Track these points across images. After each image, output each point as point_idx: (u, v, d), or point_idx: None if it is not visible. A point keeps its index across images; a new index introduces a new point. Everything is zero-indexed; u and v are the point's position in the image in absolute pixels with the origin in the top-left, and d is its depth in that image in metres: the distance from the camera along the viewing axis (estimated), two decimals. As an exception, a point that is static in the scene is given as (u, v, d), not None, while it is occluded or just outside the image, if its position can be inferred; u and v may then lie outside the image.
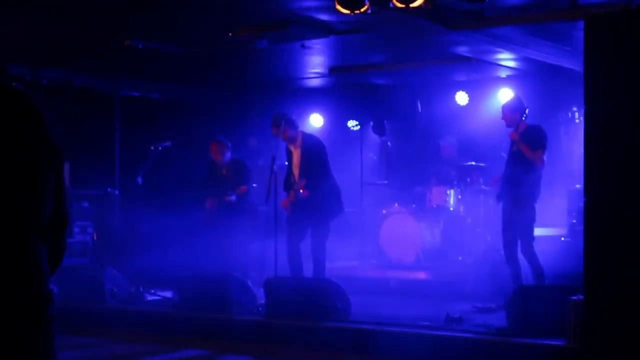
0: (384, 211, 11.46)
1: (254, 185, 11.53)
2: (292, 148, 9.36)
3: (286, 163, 9.55)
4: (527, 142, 8.55)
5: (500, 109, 8.87)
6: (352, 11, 7.50)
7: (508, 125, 8.72)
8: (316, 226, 9.15)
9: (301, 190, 9.12)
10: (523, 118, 8.63)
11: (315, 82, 13.27)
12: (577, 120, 10.82)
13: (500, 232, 8.87)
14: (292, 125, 9.26)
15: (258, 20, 9.00)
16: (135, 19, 8.96)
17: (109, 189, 12.12)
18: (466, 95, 12.52)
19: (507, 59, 10.87)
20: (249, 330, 8.37)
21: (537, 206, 8.64)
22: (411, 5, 7.30)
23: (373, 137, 12.85)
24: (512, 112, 8.73)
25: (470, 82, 12.63)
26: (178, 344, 8.34)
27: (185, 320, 8.80)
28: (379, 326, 7.86)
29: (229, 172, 10.51)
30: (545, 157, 8.63)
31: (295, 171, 9.29)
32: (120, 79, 12.53)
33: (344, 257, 11.27)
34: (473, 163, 11.22)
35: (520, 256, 8.71)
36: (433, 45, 9.83)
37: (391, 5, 7.42)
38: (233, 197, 10.35)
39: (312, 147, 9.25)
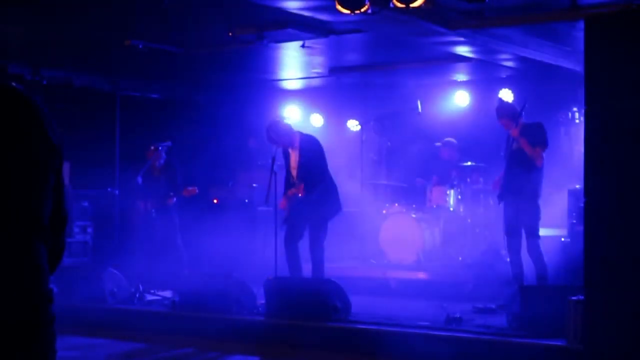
0: (384, 211, 11.46)
1: (254, 185, 11.51)
2: (289, 150, 9.33)
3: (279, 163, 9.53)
4: (526, 137, 8.55)
5: (495, 113, 8.89)
6: (352, 11, 7.49)
7: (507, 127, 8.73)
8: (314, 226, 9.13)
9: (299, 194, 9.10)
10: (522, 112, 8.63)
11: (315, 82, 13.26)
12: (577, 121, 10.83)
13: (503, 232, 8.85)
14: (287, 131, 9.23)
15: (258, 20, 9.00)
16: (136, 19, 8.96)
17: (109, 189, 12.12)
18: (466, 95, 12.52)
19: (507, 59, 10.86)
20: (248, 331, 8.37)
21: (541, 203, 8.64)
22: (411, 5, 7.30)
23: (373, 137, 12.84)
24: (508, 114, 8.71)
25: (470, 82, 12.63)
26: (178, 344, 8.34)
27: (185, 320, 8.80)
28: (379, 326, 7.86)
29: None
30: (544, 155, 8.62)
31: (294, 172, 9.28)
32: (120, 79, 12.53)
33: (344, 257, 11.26)
34: (473, 163, 11.22)
35: (525, 256, 8.71)
36: (433, 45, 9.82)
37: (391, 5, 7.41)
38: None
39: (310, 148, 9.22)
